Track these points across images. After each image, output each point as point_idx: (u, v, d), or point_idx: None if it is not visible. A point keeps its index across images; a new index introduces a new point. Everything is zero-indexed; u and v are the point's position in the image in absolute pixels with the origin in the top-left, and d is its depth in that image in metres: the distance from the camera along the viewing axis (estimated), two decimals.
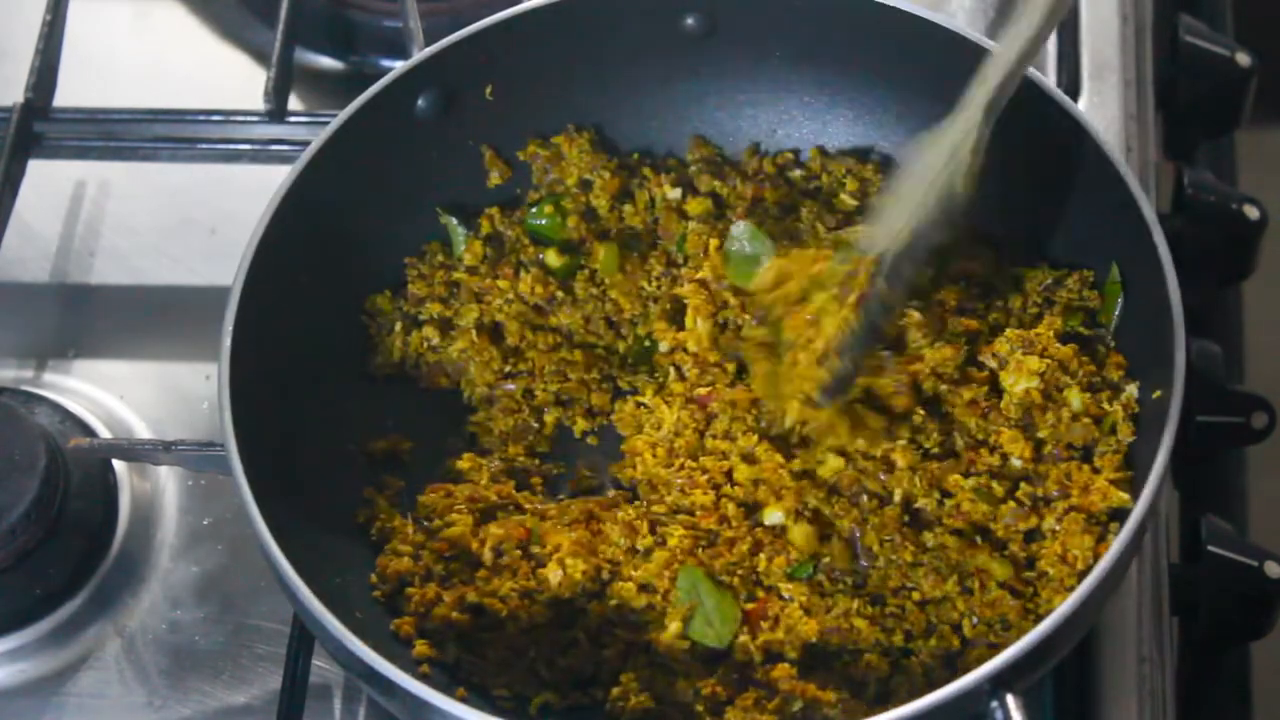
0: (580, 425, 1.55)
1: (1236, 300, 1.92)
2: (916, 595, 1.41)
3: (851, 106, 1.62)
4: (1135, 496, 1.35)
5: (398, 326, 1.56)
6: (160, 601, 1.53)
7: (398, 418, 1.54)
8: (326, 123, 1.52)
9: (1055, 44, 1.74)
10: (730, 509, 1.45)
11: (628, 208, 1.61)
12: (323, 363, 1.52)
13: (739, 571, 1.42)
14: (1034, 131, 1.50)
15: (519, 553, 1.45)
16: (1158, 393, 1.40)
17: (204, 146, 1.71)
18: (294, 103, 1.71)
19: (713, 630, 1.41)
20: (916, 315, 1.48)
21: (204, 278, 1.69)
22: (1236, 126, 1.87)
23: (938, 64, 1.54)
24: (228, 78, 1.81)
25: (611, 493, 1.50)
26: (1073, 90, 1.71)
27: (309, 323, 1.51)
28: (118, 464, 1.58)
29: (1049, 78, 1.70)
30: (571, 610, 1.43)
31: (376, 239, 1.57)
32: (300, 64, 1.76)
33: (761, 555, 1.43)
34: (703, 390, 1.50)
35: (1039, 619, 1.31)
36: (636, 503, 1.48)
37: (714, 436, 1.49)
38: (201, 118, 1.71)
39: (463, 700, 1.31)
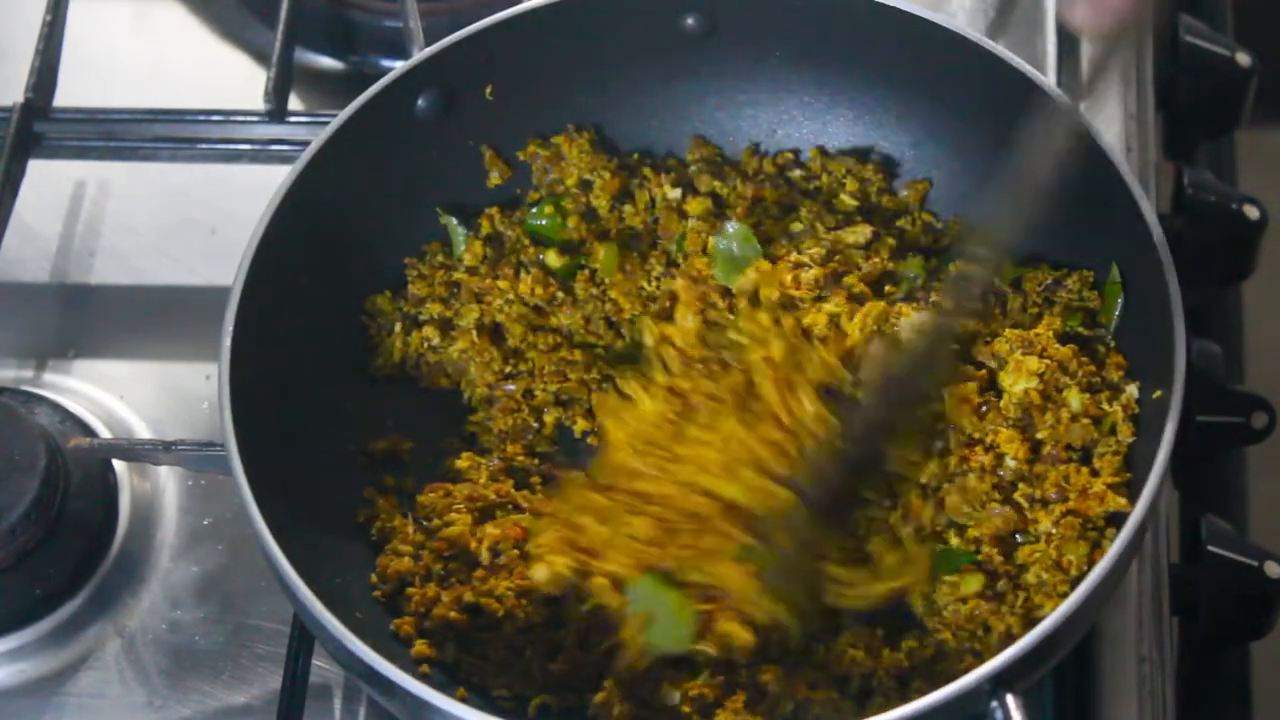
0: (580, 425, 1.55)
1: (1236, 300, 1.91)
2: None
3: (851, 106, 1.62)
4: (1134, 499, 1.35)
5: (398, 327, 1.56)
6: (160, 601, 1.53)
7: (398, 418, 1.54)
8: (326, 123, 1.52)
9: (1055, 44, 1.74)
10: (698, 501, 1.45)
11: (628, 208, 1.61)
12: (323, 363, 1.52)
13: (697, 570, 1.42)
14: (1034, 132, 1.50)
15: (516, 552, 1.45)
16: (1158, 393, 1.40)
17: (204, 146, 1.71)
18: (294, 103, 1.71)
19: (671, 636, 1.40)
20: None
21: (204, 278, 1.69)
22: (1236, 126, 1.87)
23: (938, 64, 1.54)
24: (228, 78, 1.81)
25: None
26: (1073, 90, 1.70)
27: (309, 323, 1.51)
28: (118, 464, 1.58)
29: (1049, 78, 1.69)
30: (563, 610, 1.43)
31: (376, 239, 1.57)
32: (300, 64, 1.75)
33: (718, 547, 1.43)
34: (685, 384, 1.50)
35: (1030, 623, 1.31)
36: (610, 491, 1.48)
37: (695, 427, 1.49)
38: (201, 118, 1.71)
39: (463, 700, 1.31)
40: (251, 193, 1.52)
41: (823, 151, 1.62)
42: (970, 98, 1.55)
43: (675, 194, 1.60)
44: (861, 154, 1.62)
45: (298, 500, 1.41)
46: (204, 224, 1.72)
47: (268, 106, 1.68)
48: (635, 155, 1.63)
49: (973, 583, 1.40)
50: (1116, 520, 1.38)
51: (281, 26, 1.70)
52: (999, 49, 1.51)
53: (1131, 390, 1.44)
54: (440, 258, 1.59)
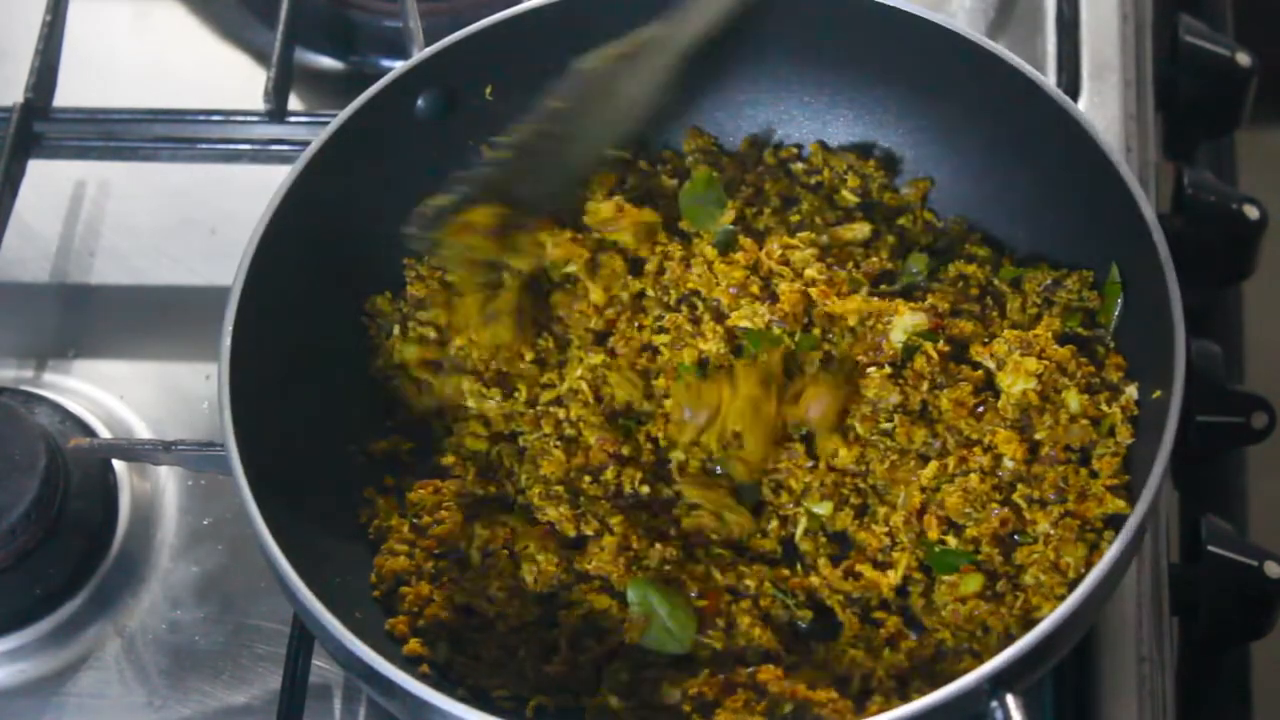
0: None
1: (1236, 300, 1.91)
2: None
3: (851, 106, 1.62)
4: (1134, 499, 1.35)
5: (396, 329, 1.56)
6: (160, 601, 1.53)
7: (398, 418, 1.54)
8: (326, 123, 1.52)
9: (1055, 44, 1.74)
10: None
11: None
12: (323, 363, 1.52)
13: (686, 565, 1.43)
14: (1034, 131, 1.50)
15: (505, 553, 1.45)
16: (1157, 393, 1.40)
17: (204, 146, 1.71)
18: (294, 103, 1.72)
19: (672, 637, 1.41)
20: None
21: (204, 278, 1.69)
22: (1236, 126, 1.87)
23: (938, 64, 1.54)
24: (228, 78, 1.81)
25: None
26: (1073, 90, 1.70)
27: (309, 323, 1.51)
28: (118, 464, 1.58)
29: (1049, 78, 1.69)
30: (554, 609, 1.43)
31: (376, 239, 1.57)
32: (300, 64, 1.76)
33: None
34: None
35: (1028, 624, 1.31)
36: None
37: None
38: (201, 118, 1.71)
39: (462, 700, 1.31)
40: (251, 193, 1.52)
41: (824, 147, 1.62)
42: (970, 98, 1.55)
43: (672, 184, 1.60)
44: (863, 151, 1.62)
45: (298, 500, 1.41)
46: (204, 224, 1.72)
47: (268, 106, 1.68)
48: (628, 153, 1.63)
49: (972, 583, 1.40)
50: (1115, 523, 1.38)
51: (281, 26, 1.70)
52: (999, 49, 1.51)
53: (1131, 391, 1.44)
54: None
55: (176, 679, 1.50)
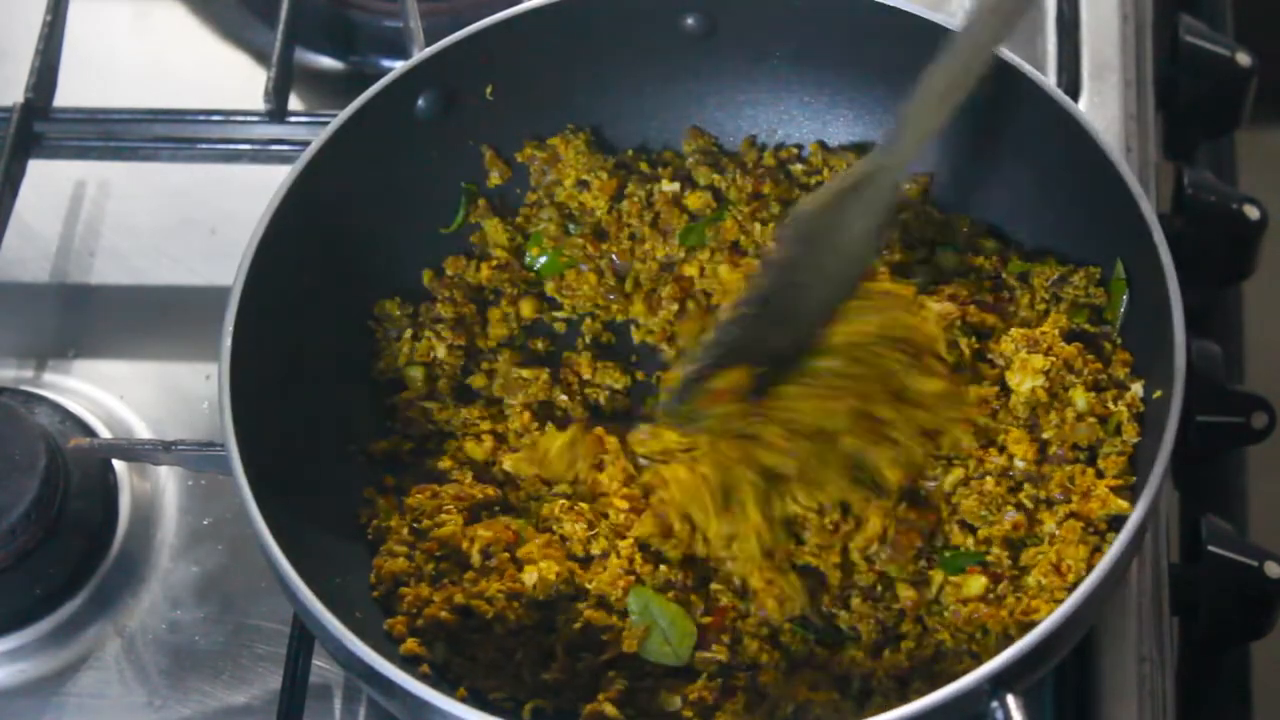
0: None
1: (1236, 300, 1.91)
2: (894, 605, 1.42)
3: (851, 106, 1.62)
4: (1135, 501, 1.35)
5: (407, 334, 1.56)
6: (160, 601, 1.53)
7: (399, 419, 1.54)
8: (326, 123, 1.52)
9: (1055, 44, 1.74)
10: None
11: (625, 205, 1.60)
12: (324, 363, 1.52)
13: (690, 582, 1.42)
14: (1035, 131, 1.50)
15: (506, 555, 1.45)
16: (1158, 393, 1.40)
17: (204, 146, 1.71)
18: (294, 103, 1.72)
19: (670, 648, 1.40)
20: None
21: (204, 278, 1.69)
22: (1236, 126, 1.87)
23: None
24: (228, 78, 1.81)
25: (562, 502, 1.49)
26: (1073, 90, 1.71)
27: (310, 323, 1.51)
28: (118, 464, 1.58)
29: (1049, 78, 1.69)
30: (553, 614, 1.43)
31: (376, 239, 1.57)
32: (300, 64, 1.76)
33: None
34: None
35: (1026, 626, 1.31)
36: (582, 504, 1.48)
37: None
38: (201, 118, 1.71)
39: (463, 700, 1.31)
40: (251, 193, 1.52)
41: (824, 147, 1.62)
42: (970, 98, 1.54)
43: (674, 187, 1.60)
44: (863, 150, 1.62)
45: (298, 500, 1.41)
46: (204, 224, 1.72)
47: (268, 106, 1.68)
48: (630, 152, 1.63)
49: (975, 585, 1.40)
50: (1117, 524, 1.38)
51: (281, 26, 1.70)
52: (999, 49, 1.51)
53: (1136, 389, 1.44)
54: (454, 271, 1.59)
55: (176, 679, 1.50)
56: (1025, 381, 1.45)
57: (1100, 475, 1.42)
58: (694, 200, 1.60)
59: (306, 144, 1.51)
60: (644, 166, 1.62)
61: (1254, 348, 1.90)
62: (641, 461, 1.47)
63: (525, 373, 1.54)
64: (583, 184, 1.61)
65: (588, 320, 1.59)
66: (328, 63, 1.82)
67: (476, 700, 1.37)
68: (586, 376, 1.55)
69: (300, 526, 1.39)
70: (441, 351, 1.55)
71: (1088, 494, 1.40)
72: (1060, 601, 1.31)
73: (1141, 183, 1.47)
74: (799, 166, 1.62)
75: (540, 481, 1.49)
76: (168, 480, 1.59)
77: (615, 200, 1.61)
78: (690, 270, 1.58)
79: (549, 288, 1.60)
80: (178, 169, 1.72)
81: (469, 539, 1.45)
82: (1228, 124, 1.87)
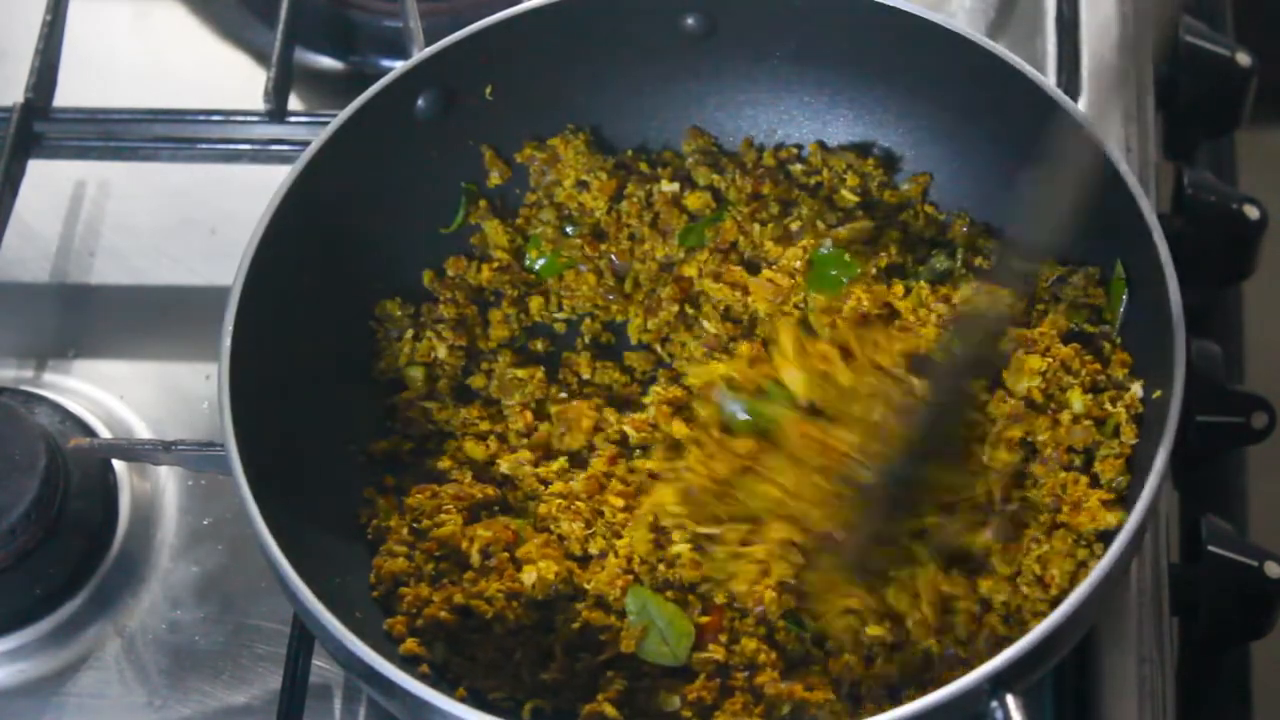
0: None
1: (1236, 300, 1.91)
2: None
3: (851, 106, 1.62)
4: (1130, 507, 1.34)
5: (408, 334, 1.56)
6: (160, 601, 1.53)
7: (399, 419, 1.54)
8: (326, 123, 1.52)
9: (1055, 44, 1.74)
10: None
11: (624, 206, 1.60)
12: (324, 363, 1.52)
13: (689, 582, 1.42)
14: (1034, 131, 1.50)
15: (506, 555, 1.45)
16: (1158, 393, 1.40)
17: (204, 146, 1.71)
18: (294, 103, 1.72)
19: (668, 649, 1.40)
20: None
21: (204, 278, 1.69)
22: (1236, 126, 1.87)
23: (938, 64, 1.54)
24: (228, 78, 1.81)
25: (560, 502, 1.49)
26: (1073, 90, 1.71)
27: (310, 323, 1.51)
28: (118, 464, 1.58)
29: (1049, 78, 1.69)
30: (552, 614, 1.43)
31: (377, 239, 1.57)
32: (300, 64, 1.76)
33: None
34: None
35: (1005, 642, 1.31)
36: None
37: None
38: (201, 118, 1.71)
39: (462, 700, 1.31)
40: (251, 193, 1.52)
41: (823, 146, 1.62)
42: (970, 97, 1.55)
43: (673, 187, 1.61)
44: (862, 150, 1.62)
45: (298, 500, 1.41)
46: (204, 224, 1.72)
47: (268, 106, 1.68)
48: (629, 152, 1.63)
49: (964, 589, 1.39)
50: (1106, 538, 1.38)
51: (281, 26, 1.70)
52: (999, 49, 1.51)
53: (1135, 389, 1.44)
54: (455, 273, 1.59)
55: (176, 679, 1.50)
56: (1022, 381, 1.45)
57: (1095, 481, 1.41)
58: (693, 200, 1.60)
59: (306, 144, 1.51)
60: (643, 167, 1.62)
61: (1254, 348, 1.90)
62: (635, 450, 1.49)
63: (520, 373, 1.54)
64: (582, 184, 1.61)
65: (587, 320, 1.59)
66: (328, 63, 1.82)
67: (476, 700, 1.37)
68: (586, 376, 1.55)
69: (300, 526, 1.39)
70: (442, 352, 1.56)
71: (1078, 505, 1.40)
72: (1042, 615, 1.31)
73: (1141, 183, 1.47)
74: (799, 167, 1.62)
75: (538, 481, 1.49)
76: (168, 480, 1.59)
77: (615, 200, 1.61)
78: (689, 271, 1.58)
79: (549, 289, 1.60)
80: (178, 169, 1.72)
81: (468, 539, 1.45)
82: (1228, 124, 1.87)
